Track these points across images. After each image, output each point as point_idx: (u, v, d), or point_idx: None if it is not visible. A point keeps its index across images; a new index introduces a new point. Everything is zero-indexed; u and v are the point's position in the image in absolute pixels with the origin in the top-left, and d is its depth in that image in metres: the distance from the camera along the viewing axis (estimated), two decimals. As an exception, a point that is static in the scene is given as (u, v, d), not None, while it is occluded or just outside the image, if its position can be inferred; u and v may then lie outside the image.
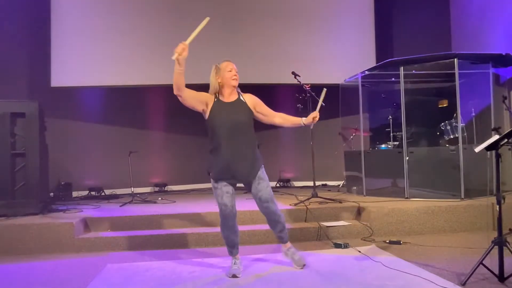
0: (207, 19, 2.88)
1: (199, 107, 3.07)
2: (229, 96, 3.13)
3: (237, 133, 3.04)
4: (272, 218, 3.19)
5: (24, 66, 6.61)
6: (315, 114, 3.15)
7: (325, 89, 3.22)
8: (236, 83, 3.13)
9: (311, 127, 3.27)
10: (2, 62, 6.35)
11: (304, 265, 3.26)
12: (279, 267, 3.34)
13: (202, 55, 6.85)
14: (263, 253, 3.80)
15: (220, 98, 3.12)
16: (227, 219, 3.10)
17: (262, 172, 3.16)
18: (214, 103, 3.09)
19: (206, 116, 3.10)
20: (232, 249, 3.24)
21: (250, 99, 3.20)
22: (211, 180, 3.13)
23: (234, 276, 3.08)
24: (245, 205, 4.68)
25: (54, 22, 6.50)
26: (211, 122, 3.06)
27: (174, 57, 2.80)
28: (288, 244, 3.33)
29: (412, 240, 4.11)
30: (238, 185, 3.22)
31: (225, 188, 3.07)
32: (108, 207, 5.27)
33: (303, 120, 3.19)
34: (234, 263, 3.21)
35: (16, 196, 4.59)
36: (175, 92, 2.92)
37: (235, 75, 3.12)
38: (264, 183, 3.13)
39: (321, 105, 3.26)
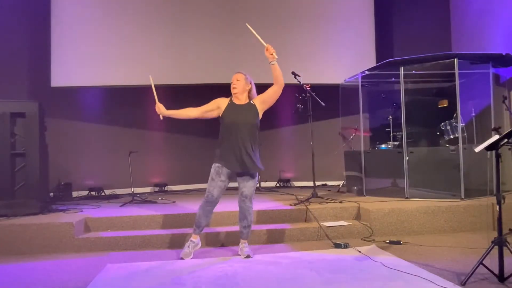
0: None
1: (214, 114, 3.68)
2: (240, 100, 3.67)
3: (242, 131, 3.54)
4: (244, 212, 3.64)
5: (24, 66, 6.60)
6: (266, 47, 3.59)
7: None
8: (235, 91, 3.63)
9: (272, 62, 3.58)
10: (2, 62, 6.35)
11: (247, 256, 3.63)
12: (279, 267, 3.34)
13: (202, 55, 6.87)
14: (263, 253, 3.80)
15: (234, 101, 3.68)
16: (208, 204, 3.60)
17: (255, 175, 3.66)
18: (228, 105, 3.64)
19: (220, 115, 3.64)
20: (197, 228, 3.69)
21: (258, 100, 3.68)
22: (212, 169, 3.59)
23: (181, 258, 3.59)
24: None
25: (54, 22, 6.49)
26: (222, 120, 3.62)
27: (161, 118, 3.68)
28: (246, 241, 3.74)
29: (412, 240, 4.11)
30: (231, 185, 3.67)
31: (220, 183, 3.56)
32: (108, 207, 5.27)
33: (269, 60, 3.59)
34: (188, 246, 3.68)
35: (16, 196, 4.58)
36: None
37: (234, 84, 3.64)
38: (252, 183, 3.64)
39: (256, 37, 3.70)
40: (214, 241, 4.13)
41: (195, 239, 3.72)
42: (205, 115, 3.67)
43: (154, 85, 3.70)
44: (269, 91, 3.65)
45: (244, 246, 3.70)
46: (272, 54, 3.54)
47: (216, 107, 3.66)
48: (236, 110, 3.60)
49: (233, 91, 3.64)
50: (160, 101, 3.69)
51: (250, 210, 3.64)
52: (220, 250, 3.96)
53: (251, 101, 3.68)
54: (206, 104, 3.68)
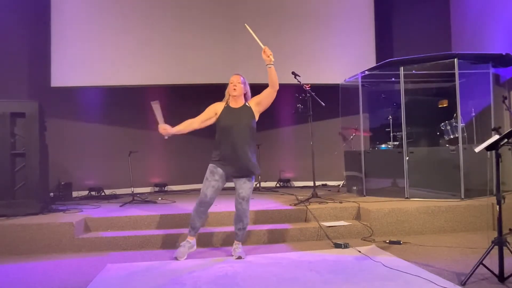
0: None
1: (213, 120, 3.68)
2: (236, 103, 3.66)
3: (239, 134, 3.55)
4: (240, 214, 3.63)
5: (24, 66, 6.60)
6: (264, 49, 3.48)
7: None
8: (235, 93, 3.61)
9: (269, 65, 3.49)
10: (2, 62, 6.34)
11: (239, 257, 3.61)
12: (279, 267, 3.34)
13: (202, 55, 6.87)
14: (263, 252, 3.81)
15: (230, 104, 3.68)
16: (201, 204, 3.61)
17: (251, 179, 3.65)
18: (224, 109, 3.66)
19: (217, 118, 3.66)
20: (192, 230, 3.70)
21: (253, 102, 3.68)
22: (207, 170, 3.62)
23: (175, 259, 3.58)
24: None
25: (54, 22, 6.50)
26: (219, 124, 3.64)
27: (166, 138, 3.73)
28: (239, 243, 3.74)
29: (412, 240, 4.11)
30: (228, 185, 3.69)
31: (213, 182, 3.57)
32: (108, 207, 5.27)
33: (266, 63, 3.50)
34: (183, 245, 3.66)
35: (16, 196, 4.58)
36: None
37: (234, 86, 3.61)
38: (249, 185, 3.63)
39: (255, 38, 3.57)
40: (214, 241, 4.13)
41: (191, 240, 3.72)
42: (206, 123, 3.67)
43: (159, 107, 3.70)
44: (264, 93, 3.63)
45: (237, 247, 3.71)
46: (269, 57, 3.45)
47: (213, 113, 3.67)
48: (233, 113, 3.61)
49: (233, 93, 3.61)
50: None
51: (247, 213, 3.65)
52: (219, 251, 3.96)
53: (247, 104, 3.68)
54: (203, 113, 3.68)
